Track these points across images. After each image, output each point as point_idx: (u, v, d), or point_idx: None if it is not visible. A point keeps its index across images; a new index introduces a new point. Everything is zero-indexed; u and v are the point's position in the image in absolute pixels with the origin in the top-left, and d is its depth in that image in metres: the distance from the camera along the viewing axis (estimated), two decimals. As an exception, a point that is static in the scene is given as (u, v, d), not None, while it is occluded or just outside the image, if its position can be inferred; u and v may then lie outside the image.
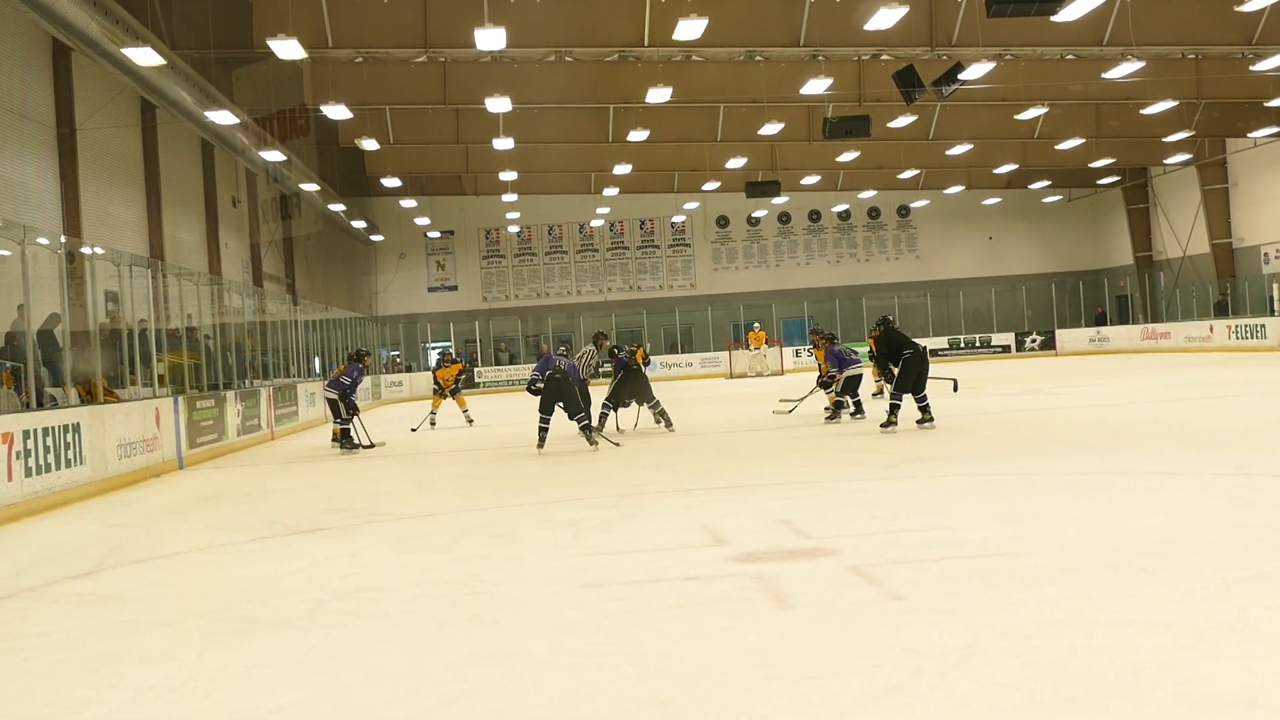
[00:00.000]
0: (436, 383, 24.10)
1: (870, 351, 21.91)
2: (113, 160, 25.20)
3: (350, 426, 18.60)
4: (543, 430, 15.97)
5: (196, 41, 24.73)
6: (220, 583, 7.69)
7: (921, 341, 43.43)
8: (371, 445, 18.61)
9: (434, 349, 46.99)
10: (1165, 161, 42.81)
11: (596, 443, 15.76)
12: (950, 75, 25.79)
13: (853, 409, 18.06)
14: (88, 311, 15.86)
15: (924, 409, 15.62)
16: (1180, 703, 4.16)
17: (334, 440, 18.87)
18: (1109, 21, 25.56)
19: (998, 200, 50.83)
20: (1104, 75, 27.80)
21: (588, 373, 18.23)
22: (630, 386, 18.04)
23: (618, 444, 15.98)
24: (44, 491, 12.12)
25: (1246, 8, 23.61)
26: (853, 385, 17.91)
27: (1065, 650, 4.83)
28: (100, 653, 5.84)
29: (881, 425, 15.50)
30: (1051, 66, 28.97)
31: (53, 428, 12.48)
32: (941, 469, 11.26)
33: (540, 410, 16.10)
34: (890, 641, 5.11)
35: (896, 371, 15.80)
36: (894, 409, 15.56)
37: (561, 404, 16.03)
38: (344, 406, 18.44)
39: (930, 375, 15.95)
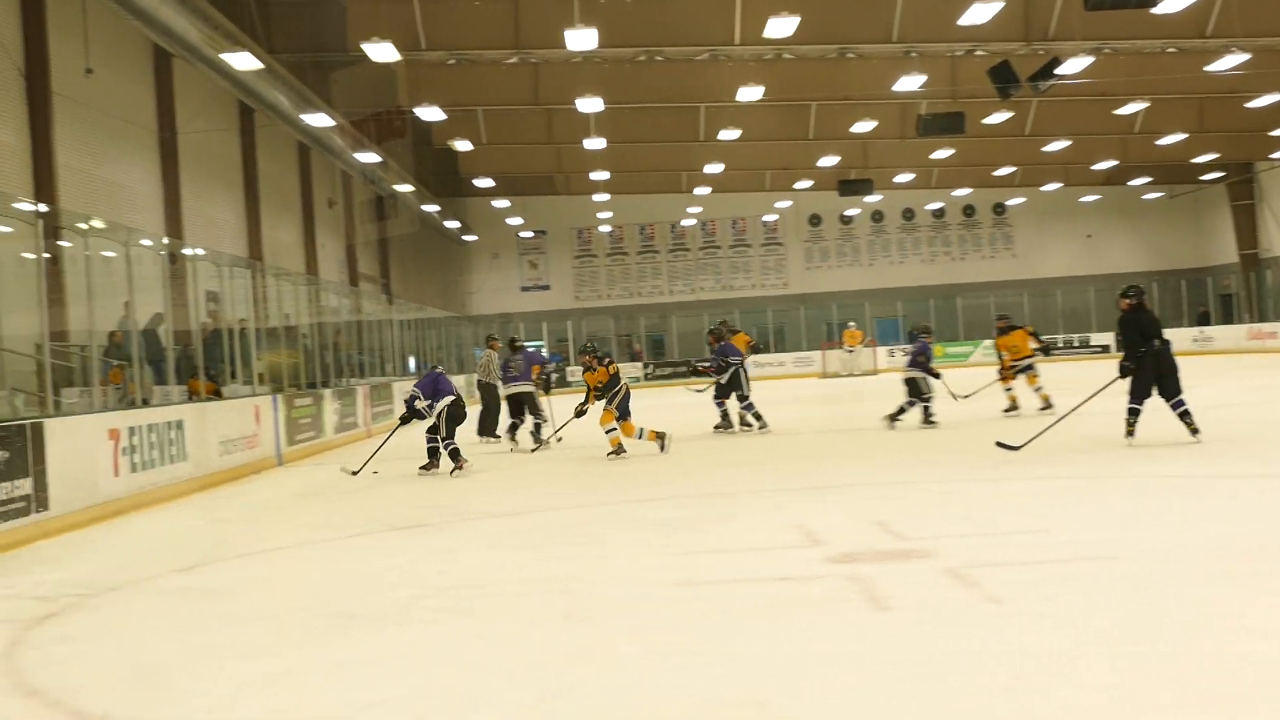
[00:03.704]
0: None
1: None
2: (213, 163, 25.63)
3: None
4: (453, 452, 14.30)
5: (293, 46, 25.11)
6: (319, 578, 7.80)
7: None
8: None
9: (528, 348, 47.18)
10: (1271, 156, 41.87)
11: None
12: (1047, 70, 25.41)
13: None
14: (189, 311, 16.16)
15: (1183, 415, 12.26)
16: (1287, 710, 4.08)
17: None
18: (1212, 13, 25.02)
19: (1096, 197, 50.06)
20: (1207, 68, 27.26)
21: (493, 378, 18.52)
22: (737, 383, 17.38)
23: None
24: (148, 486, 12.36)
25: (1357, -4, 23.04)
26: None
27: (1165, 655, 4.75)
28: (202, 645, 5.94)
29: (1125, 435, 12.49)
30: (1152, 60, 28.44)
31: (157, 425, 12.73)
32: (1038, 471, 11.09)
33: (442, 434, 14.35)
34: (988, 645, 5.05)
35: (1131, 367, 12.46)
36: (1133, 414, 12.43)
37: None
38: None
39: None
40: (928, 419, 16.59)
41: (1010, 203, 51.13)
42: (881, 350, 44.51)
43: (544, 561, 7.79)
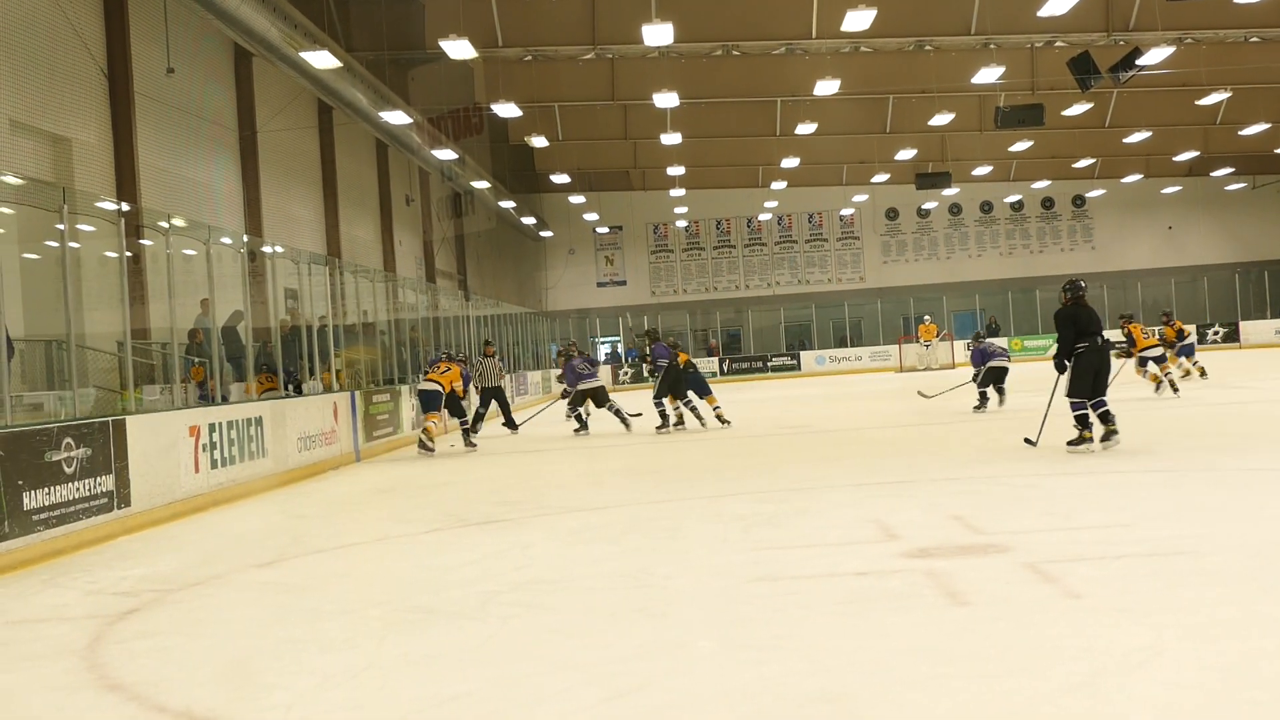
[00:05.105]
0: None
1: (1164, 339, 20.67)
2: (292, 161, 25.93)
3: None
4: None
5: (371, 44, 25.36)
6: (397, 573, 7.86)
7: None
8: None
9: (603, 343, 47.26)
10: (1358, 145, 41.08)
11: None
12: (1128, 61, 25.07)
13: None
14: (269, 308, 16.35)
15: (1103, 416, 11.84)
16: (1379, 710, 3.98)
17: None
18: (1297, 1, 24.61)
19: (1178, 188, 49.31)
20: (1292, 56, 26.78)
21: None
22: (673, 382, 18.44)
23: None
24: (228, 483, 12.52)
25: None
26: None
27: (1251, 652, 4.65)
28: (283, 639, 6.01)
29: (1069, 443, 11.99)
30: (1235, 49, 27.99)
31: (237, 421, 12.89)
32: (1119, 465, 10.94)
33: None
34: (1068, 640, 4.98)
35: (1069, 366, 12.06)
36: (1081, 420, 11.93)
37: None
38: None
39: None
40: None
41: (1090, 195, 50.51)
42: (959, 344, 44.12)
43: (620, 556, 7.79)
